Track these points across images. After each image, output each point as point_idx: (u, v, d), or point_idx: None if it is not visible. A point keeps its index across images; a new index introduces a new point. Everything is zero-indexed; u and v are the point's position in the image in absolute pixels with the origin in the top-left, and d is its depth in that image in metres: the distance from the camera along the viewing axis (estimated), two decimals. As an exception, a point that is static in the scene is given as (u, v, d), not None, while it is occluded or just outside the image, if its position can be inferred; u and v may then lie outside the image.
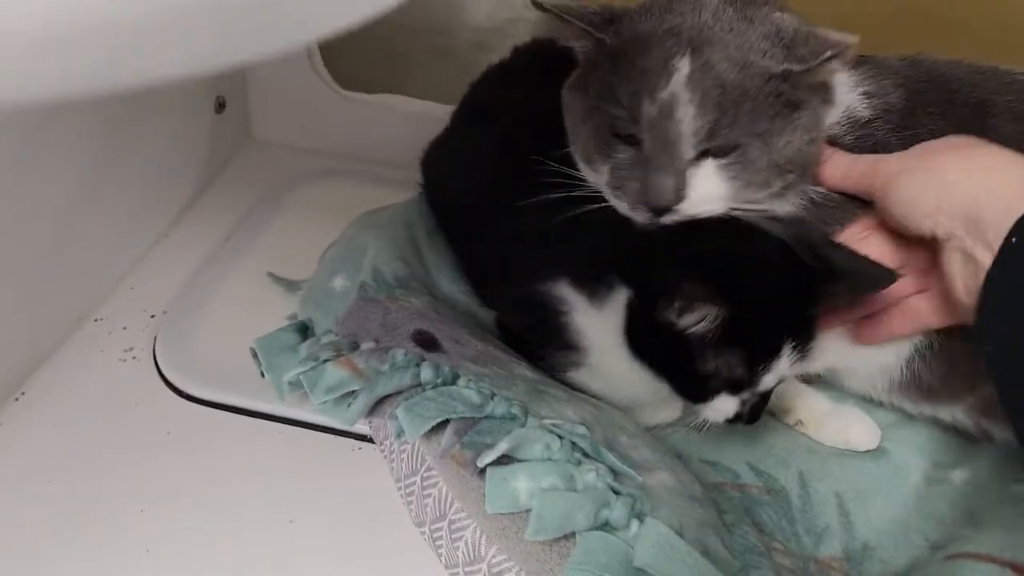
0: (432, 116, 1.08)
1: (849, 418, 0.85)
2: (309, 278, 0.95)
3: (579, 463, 0.69)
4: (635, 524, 0.65)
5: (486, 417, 0.72)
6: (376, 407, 0.77)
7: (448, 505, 0.71)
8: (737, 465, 0.82)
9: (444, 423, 0.72)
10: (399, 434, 0.73)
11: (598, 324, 0.78)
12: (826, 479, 0.81)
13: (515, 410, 0.72)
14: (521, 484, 0.67)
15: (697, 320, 0.69)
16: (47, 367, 0.94)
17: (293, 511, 0.80)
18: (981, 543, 0.69)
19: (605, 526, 0.65)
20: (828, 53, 0.66)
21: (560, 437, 0.70)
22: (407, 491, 0.76)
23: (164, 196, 1.17)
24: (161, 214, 1.16)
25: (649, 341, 0.75)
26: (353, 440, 0.86)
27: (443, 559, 0.72)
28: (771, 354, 0.71)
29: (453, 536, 0.71)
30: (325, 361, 0.79)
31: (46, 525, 0.78)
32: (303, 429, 0.87)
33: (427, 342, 0.79)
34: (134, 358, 0.97)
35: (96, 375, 0.94)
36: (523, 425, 0.71)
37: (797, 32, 0.69)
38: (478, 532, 0.69)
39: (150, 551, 0.76)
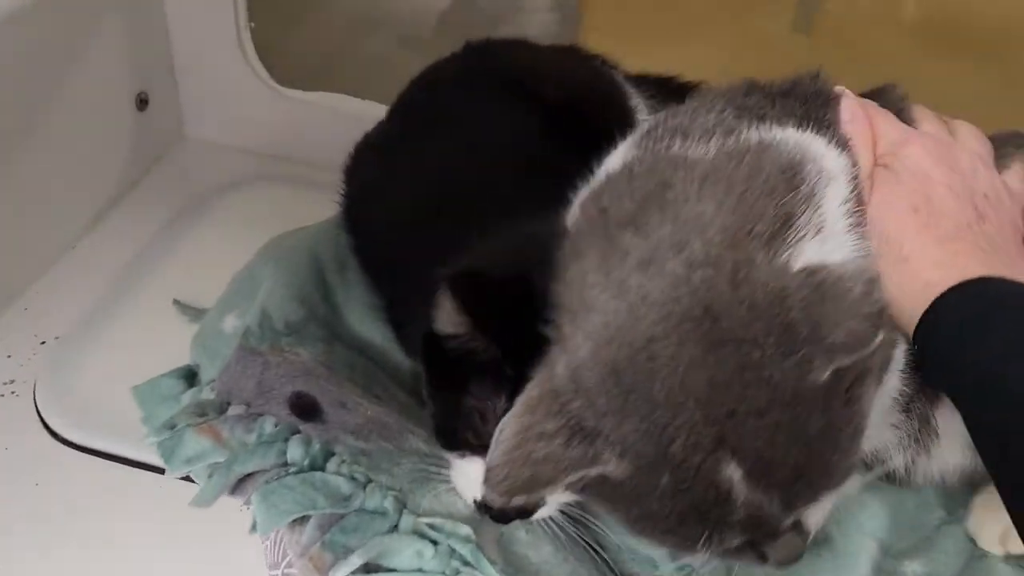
0: (373, 117, 0.97)
1: None
2: (206, 313, 0.86)
3: (456, 573, 0.59)
4: None
5: (355, 511, 0.62)
6: (238, 485, 0.67)
7: None
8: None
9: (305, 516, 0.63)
10: (253, 526, 0.63)
11: None
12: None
13: (388, 504, 0.63)
14: None
15: (461, 338, 0.60)
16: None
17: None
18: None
19: None
20: None
21: (434, 543, 0.60)
22: None
23: (75, 203, 1.08)
24: (70, 224, 1.07)
25: (434, 366, 0.65)
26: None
27: None
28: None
29: None
30: (186, 427, 0.69)
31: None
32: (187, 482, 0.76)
33: (305, 407, 0.69)
34: (13, 392, 0.88)
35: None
36: (395, 525, 0.62)
37: None
38: None
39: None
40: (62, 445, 0.84)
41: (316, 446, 0.66)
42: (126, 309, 0.96)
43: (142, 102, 1.15)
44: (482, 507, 0.61)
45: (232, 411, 0.70)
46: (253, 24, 1.19)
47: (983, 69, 1.21)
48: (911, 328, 0.57)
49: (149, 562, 0.76)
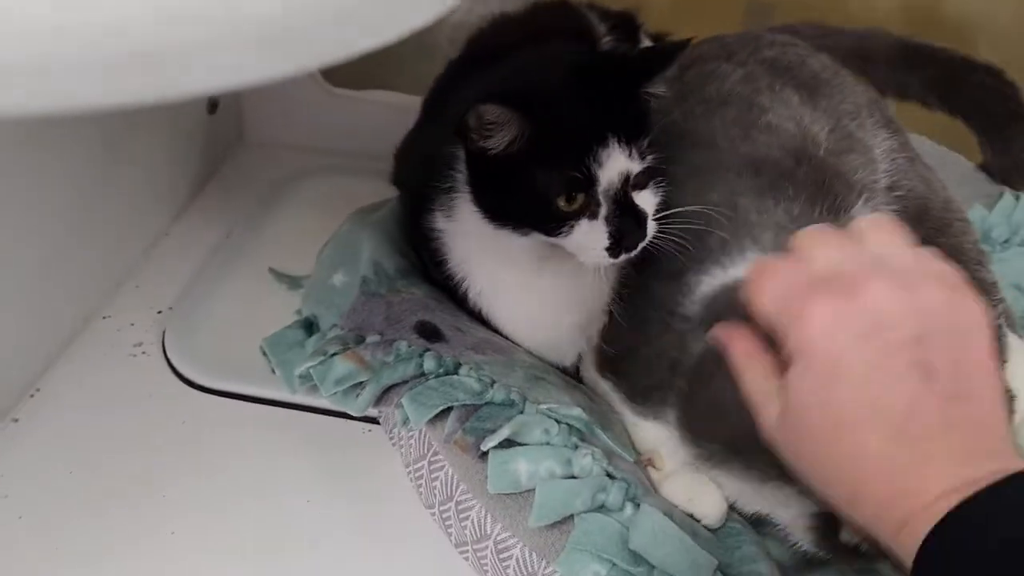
0: (418, 108, 1.08)
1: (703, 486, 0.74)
2: (309, 276, 0.97)
3: (576, 447, 0.71)
4: (629, 507, 0.67)
5: (486, 404, 0.74)
6: (383, 396, 0.79)
7: (454, 487, 0.73)
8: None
9: (447, 410, 0.75)
10: (405, 421, 0.75)
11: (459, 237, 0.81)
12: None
13: (514, 396, 0.74)
14: (521, 467, 0.69)
15: (507, 140, 0.69)
16: (59, 364, 0.95)
17: (308, 492, 0.82)
18: None
19: (601, 508, 0.68)
20: None
21: (557, 422, 0.72)
22: (416, 475, 0.78)
23: (163, 196, 1.17)
24: (161, 213, 1.17)
25: (483, 187, 0.74)
26: (362, 423, 0.87)
27: (452, 538, 0.74)
28: (594, 147, 0.69)
29: (460, 516, 0.73)
30: (334, 355, 0.80)
31: (70, 515, 0.80)
32: (314, 415, 0.89)
33: (430, 332, 0.80)
34: (144, 353, 0.98)
35: (108, 370, 0.95)
36: (522, 411, 0.73)
37: None
38: (483, 511, 0.71)
39: (175, 533, 0.78)
40: (195, 391, 0.93)
41: (447, 358, 0.77)
42: (225, 280, 1.06)
43: (213, 106, 1.25)
44: (616, 246, 0.71)
45: (370, 340, 0.81)
46: None
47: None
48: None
49: (286, 490, 0.83)
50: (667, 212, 0.73)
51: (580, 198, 0.70)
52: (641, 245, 0.72)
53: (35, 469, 0.84)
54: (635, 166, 0.71)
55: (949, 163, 1.05)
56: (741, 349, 0.55)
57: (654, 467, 0.76)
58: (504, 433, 0.70)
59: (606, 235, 0.71)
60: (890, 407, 0.45)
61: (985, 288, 0.86)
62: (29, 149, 0.88)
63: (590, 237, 0.71)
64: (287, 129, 1.32)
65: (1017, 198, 1.00)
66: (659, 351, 0.72)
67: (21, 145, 0.87)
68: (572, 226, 0.71)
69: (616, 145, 0.69)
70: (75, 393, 0.93)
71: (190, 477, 0.84)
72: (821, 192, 0.77)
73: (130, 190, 1.09)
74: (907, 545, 0.42)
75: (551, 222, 0.71)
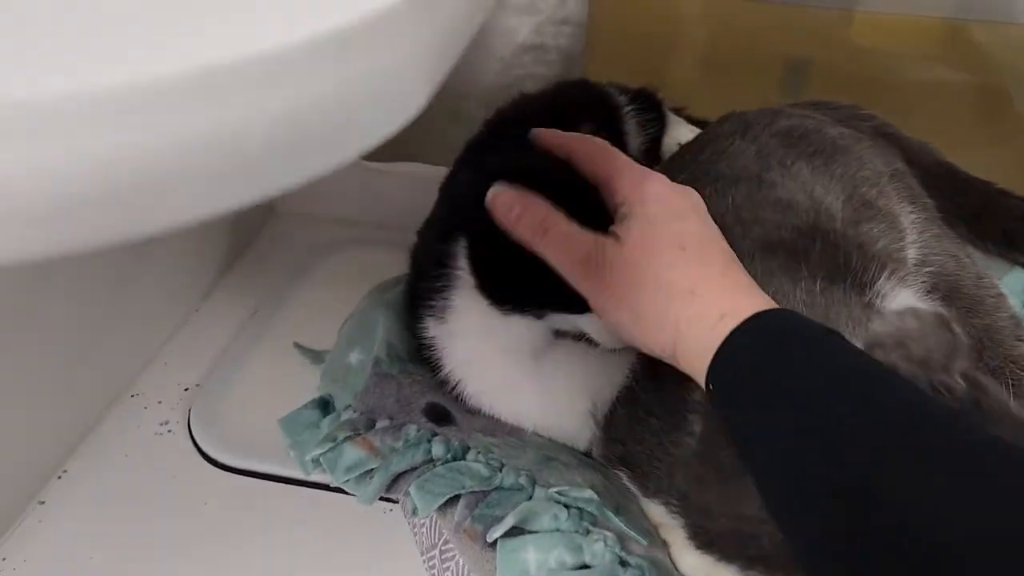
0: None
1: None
2: (329, 352, 0.95)
3: (587, 532, 0.67)
4: None
5: (495, 489, 0.71)
6: (393, 484, 0.76)
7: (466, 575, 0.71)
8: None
9: (456, 498, 0.72)
10: (414, 511, 0.72)
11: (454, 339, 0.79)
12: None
13: (523, 480, 0.71)
14: (530, 556, 0.66)
15: None
16: (87, 444, 0.94)
17: (332, 572, 0.80)
18: None
19: None
20: None
21: (567, 507, 0.69)
22: (429, 564, 0.74)
23: (194, 272, 1.17)
24: (192, 289, 1.16)
25: (495, 271, 0.72)
26: (384, 503, 0.84)
27: None
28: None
29: None
30: (344, 440, 0.78)
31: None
32: (337, 494, 0.85)
33: (439, 415, 0.78)
34: (169, 431, 0.96)
35: (134, 450, 0.94)
36: (530, 496, 0.70)
37: None
38: None
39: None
40: (220, 470, 0.91)
41: (455, 443, 0.75)
42: (251, 356, 1.05)
43: (242, 179, 1.25)
44: None
45: (380, 424, 0.79)
46: None
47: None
48: (703, 365, 0.56)
49: (309, 570, 0.81)
50: None
51: None
52: None
53: (61, 551, 0.83)
54: None
55: None
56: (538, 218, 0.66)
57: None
58: (510, 522, 0.66)
59: None
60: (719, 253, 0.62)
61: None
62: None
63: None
64: (318, 201, 1.31)
65: None
66: (666, 440, 0.69)
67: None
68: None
69: None
70: (101, 474, 0.91)
71: (214, 557, 0.82)
72: (840, 268, 0.73)
73: (161, 268, 1.08)
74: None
75: (576, 299, 0.68)
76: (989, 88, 1.28)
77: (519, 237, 0.67)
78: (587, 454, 0.82)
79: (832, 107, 0.99)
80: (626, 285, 0.60)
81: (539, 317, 0.71)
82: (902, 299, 0.75)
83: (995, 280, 0.88)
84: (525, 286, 0.71)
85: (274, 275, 1.20)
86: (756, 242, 0.75)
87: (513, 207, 0.67)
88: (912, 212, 0.87)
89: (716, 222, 0.75)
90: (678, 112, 1.07)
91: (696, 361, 0.56)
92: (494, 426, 0.78)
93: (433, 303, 0.78)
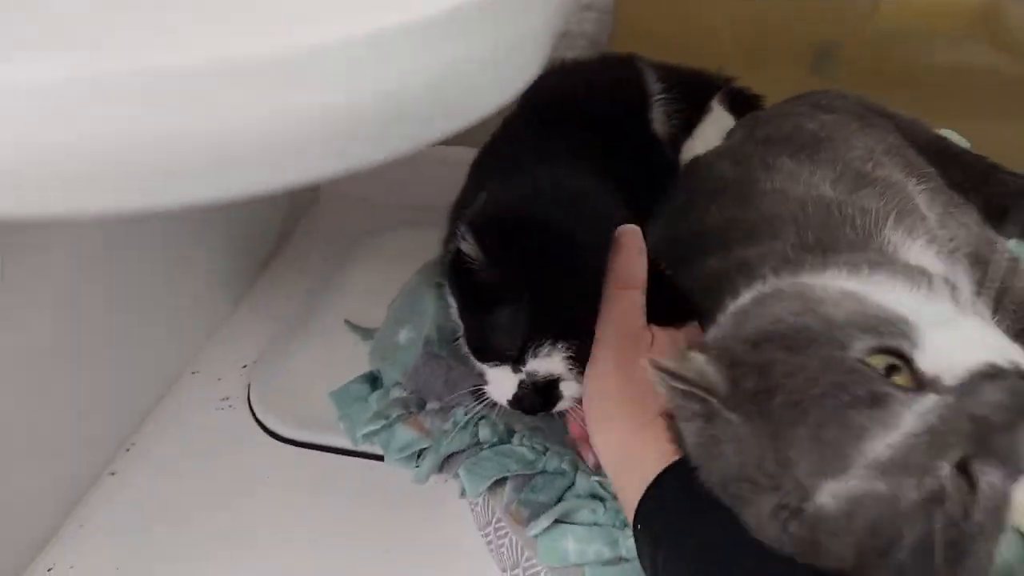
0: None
1: None
2: (378, 329, 0.98)
3: (625, 525, 0.69)
4: None
5: (539, 472, 0.74)
6: (444, 464, 0.79)
7: (520, 554, 0.73)
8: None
9: (504, 479, 0.75)
10: (463, 492, 0.76)
11: None
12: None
13: (565, 465, 0.74)
14: (570, 545, 0.69)
15: (483, 269, 0.69)
16: (152, 419, 0.99)
17: (387, 542, 0.84)
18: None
19: None
20: None
21: (603, 500, 0.71)
22: (486, 540, 0.78)
23: (248, 252, 1.21)
24: (246, 270, 1.20)
25: (464, 291, 0.75)
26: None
27: None
28: (542, 339, 0.70)
29: None
30: (396, 420, 0.82)
31: (164, 564, 0.83)
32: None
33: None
34: (230, 406, 1.01)
35: (197, 424, 0.99)
36: (572, 482, 0.73)
37: None
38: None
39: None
40: (279, 442, 0.95)
41: (500, 426, 0.77)
42: (306, 333, 1.09)
43: (290, 164, 1.28)
44: (515, 404, 0.73)
45: (429, 406, 0.82)
46: None
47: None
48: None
49: (365, 539, 0.85)
50: None
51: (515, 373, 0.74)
52: None
53: (132, 519, 0.88)
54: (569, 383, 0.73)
55: None
56: None
57: None
58: (547, 521, 0.69)
59: (512, 391, 0.74)
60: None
61: None
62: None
63: (500, 380, 0.76)
64: (363, 183, 1.32)
65: None
66: None
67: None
68: (492, 363, 0.76)
69: (557, 348, 0.72)
70: (167, 446, 0.96)
71: (274, 527, 0.86)
72: (835, 230, 0.73)
73: (217, 248, 1.12)
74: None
75: (480, 350, 0.76)
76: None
77: (615, 264, 0.70)
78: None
79: (818, 96, 1.00)
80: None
81: None
82: (916, 252, 0.74)
83: (1006, 244, 0.88)
84: None
85: (324, 256, 1.23)
86: (759, 222, 0.76)
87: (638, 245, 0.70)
88: (916, 182, 0.87)
89: (714, 241, 0.77)
90: (739, 94, 1.06)
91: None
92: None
93: None
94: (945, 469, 0.45)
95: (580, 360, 0.70)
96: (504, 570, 0.76)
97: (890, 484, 0.45)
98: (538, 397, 0.72)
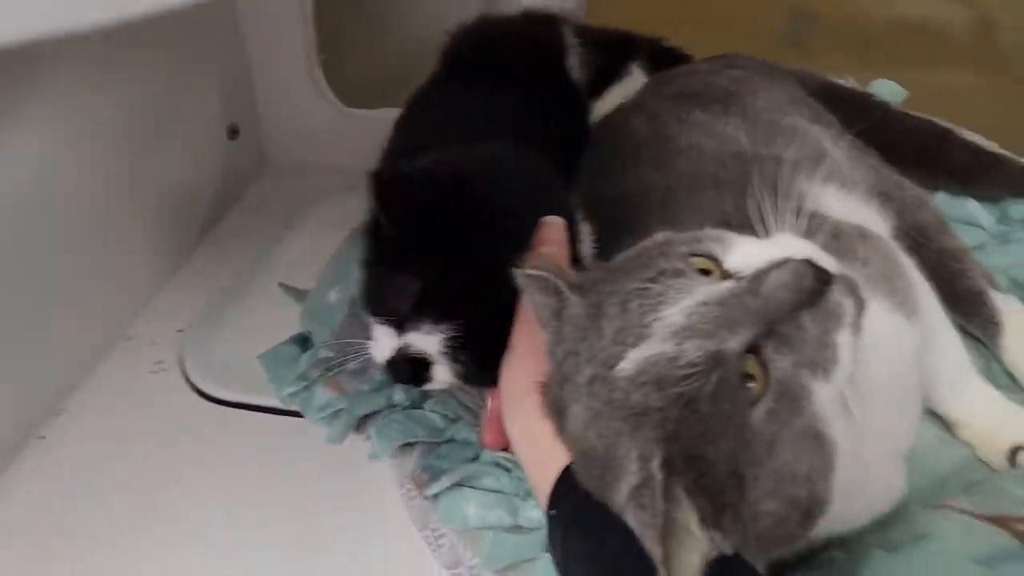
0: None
1: None
2: (308, 292, 0.97)
3: (527, 495, 0.69)
4: None
5: (447, 441, 0.74)
6: (361, 423, 0.79)
7: (428, 515, 0.73)
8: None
9: (412, 443, 0.75)
10: (372, 454, 0.76)
11: None
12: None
13: (473, 436, 0.74)
14: (471, 509, 0.69)
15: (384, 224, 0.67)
16: (84, 384, 0.98)
17: (319, 496, 0.84)
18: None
19: None
20: None
21: (508, 470, 0.71)
22: (402, 497, 0.77)
23: (186, 221, 1.20)
24: (184, 238, 1.19)
25: (372, 244, 0.71)
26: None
27: (441, 561, 0.73)
28: (426, 314, 0.65)
29: (438, 541, 0.72)
30: (315, 381, 0.82)
31: (94, 525, 0.83)
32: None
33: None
34: (164, 370, 1.00)
35: (129, 388, 0.98)
36: (477, 455, 0.73)
37: None
38: (454, 538, 0.71)
39: (181, 542, 0.81)
40: (212, 403, 0.95)
41: (414, 390, 0.77)
42: (242, 299, 1.08)
43: (233, 132, 1.27)
44: (386, 367, 0.68)
45: (350, 367, 0.78)
46: (323, 56, 1.28)
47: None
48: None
49: (297, 493, 0.85)
50: None
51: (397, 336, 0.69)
52: None
53: (61, 484, 0.87)
54: (444, 373, 0.68)
55: None
56: None
57: None
58: (446, 483, 0.69)
59: (388, 352, 0.69)
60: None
61: (956, 255, 0.83)
62: (54, 176, 0.91)
63: (381, 338, 0.70)
64: (307, 152, 1.33)
65: None
66: None
67: (46, 172, 0.89)
68: (379, 320, 0.70)
69: (437, 332, 0.67)
70: (98, 410, 0.95)
71: (207, 483, 0.86)
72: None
73: (154, 216, 1.11)
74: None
75: (371, 304, 0.71)
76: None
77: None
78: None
79: (724, 57, 1.01)
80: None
81: None
82: (832, 198, 0.75)
83: (910, 182, 0.90)
84: None
85: (265, 223, 1.23)
86: (677, 187, 0.76)
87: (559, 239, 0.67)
88: (822, 128, 0.88)
89: (629, 193, 0.76)
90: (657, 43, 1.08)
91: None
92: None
93: None
94: (730, 341, 0.46)
95: (461, 348, 0.65)
96: (418, 528, 0.76)
97: (677, 346, 0.47)
98: (410, 370, 0.67)
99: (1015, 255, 0.89)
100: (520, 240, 0.65)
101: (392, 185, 0.67)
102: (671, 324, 0.47)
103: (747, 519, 0.47)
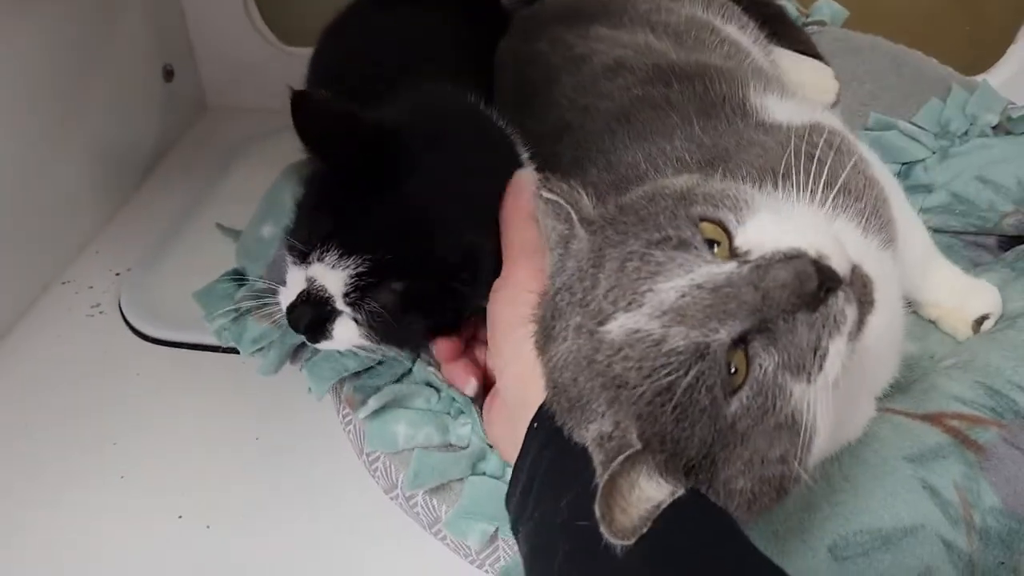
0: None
1: None
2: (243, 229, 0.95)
3: (459, 413, 0.68)
4: (508, 472, 0.64)
5: (378, 363, 0.72)
6: (295, 353, 0.77)
7: (363, 438, 0.71)
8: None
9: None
10: (309, 389, 0.73)
11: None
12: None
13: (404, 354, 0.71)
14: (400, 429, 0.67)
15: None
16: (19, 328, 0.96)
17: (258, 430, 0.83)
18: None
19: (483, 475, 0.65)
20: None
21: (439, 390, 0.69)
22: (342, 427, 0.76)
23: (123, 164, 1.16)
24: (121, 181, 1.16)
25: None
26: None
27: (379, 484, 0.73)
28: (333, 242, 0.60)
29: (372, 467, 0.71)
30: (247, 313, 0.79)
31: (32, 464, 0.81)
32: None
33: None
34: (101, 312, 0.98)
35: (66, 331, 0.96)
36: (409, 369, 0.71)
37: None
38: (387, 462, 0.70)
39: (124, 478, 0.80)
40: (150, 344, 0.94)
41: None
42: (180, 241, 1.06)
43: (168, 73, 1.23)
44: (288, 313, 0.63)
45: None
46: None
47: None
48: None
49: (236, 429, 0.84)
50: None
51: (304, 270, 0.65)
52: None
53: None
54: (352, 334, 0.64)
55: (906, 60, 0.98)
56: None
57: None
58: (374, 405, 0.67)
59: (297, 289, 0.64)
60: None
61: None
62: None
63: (293, 274, 0.65)
64: (246, 92, 1.29)
65: (970, 90, 0.93)
66: None
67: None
68: (302, 246, 0.65)
69: (343, 280, 0.61)
70: (35, 354, 0.93)
71: (144, 424, 0.85)
72: (708, 99, 0.72)
73: (90, 159, 1.08)
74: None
75: (295, 228, 0.66)
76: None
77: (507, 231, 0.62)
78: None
79: None
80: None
81: None
82: (776, 106, 0.73)
83: None
84: None
85: (204, 166, 1.20)
86: (610, 117, 0.73)
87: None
88: (737, 27, 0.88)
89: (561, 128, 0.75)
90: None
91: None
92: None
93: None
94: (719, 332, 0.44)
95: (370, 289, 0.60)
96: (357, 455, 0.75)
97: (663, 328, 0.45)
98: (310, 316, 0.62)
99: (954, 169, 0.88)
100: (460, 196, 0.62)
101: (306, 106, 0.62)
102: (663, 301, 0.45)
103: (721, 496, 0.46)
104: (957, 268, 0.79)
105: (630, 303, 0.46)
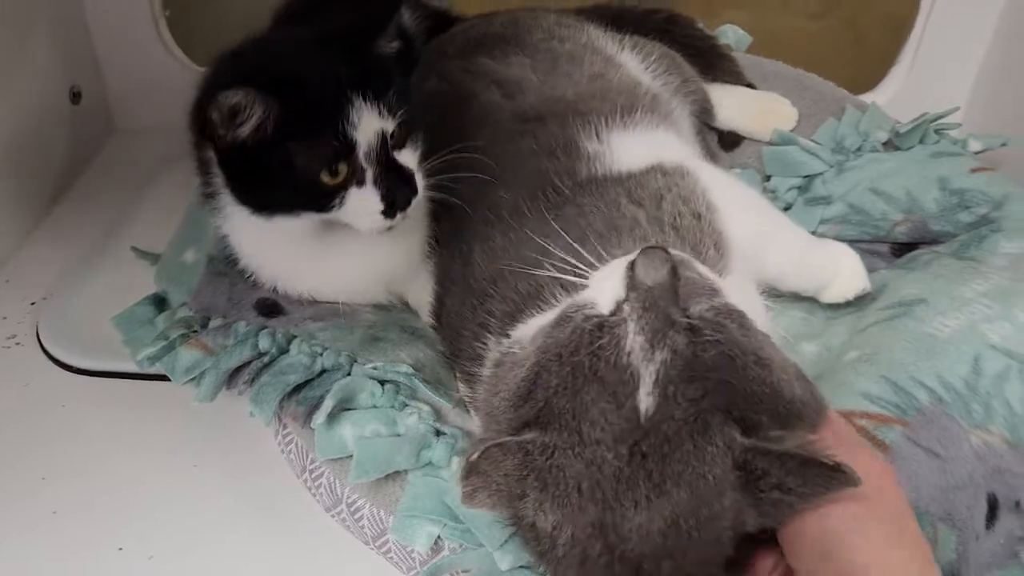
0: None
1: None
2: (162, 253, 0.94)
3: (403, 406, 0.70)
4: (456, 462, 0.66)
5: (318, 375, 0.73)
6: (231, 379, 0.77)
7: (305, 457, 0.72)
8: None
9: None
10: (252, 414, 0.73)
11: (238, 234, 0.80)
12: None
13: (343, 360, 0.73)
14: (347, 431, 0.68)
15: (255, 123, 0.66)
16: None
17: (195, 457, 0.81)
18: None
19: (428, 466, 0.66)
20: None
21: (382, 382, 0.71)
22: (280, 448, 0.76)
23: (30, 190, 1.13)
24: (29, 208, 1.12)
25: (242, 182, 0.71)
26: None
27: (322, 503, 0.73)
28: (345, 109, 0.66)
29: (315, 483, 0.72)
30: (177, 341, 0.79)
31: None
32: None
33: (269, 308, 0.79)
34: (18, 344, 0.95)
35: (-21, 365, 0.92)
36: (348, 374, 0.72)
37: None
38: (332, 477, 0.70)
39: (56, 513, 0.77)
40: (72, 374, 0.91)
41: (279, 335, 0.76)
42: (96, 267, 1.03)
43: (75, 95, 1.20)
44: (388, 208, 0.70)
45: (212, 324, 0.79)
46: (168, 12, 1.23)
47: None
48: None
49: (170, 457, 0.82)
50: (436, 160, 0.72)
51: (344, 168, 0.68)
52: (415, 202, 0.71)
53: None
54: (389, 124, 0.68)
55: (807, 84, 1.06)
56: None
57: None
58: (328, 406, 0.68)
59: (378, 199, 0.69)
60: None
61: None
62: None
63: (363, 204, 0.70)
64: (156, 113, 1.25)
65: (863, 110, 1.00)
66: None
67: None
68: (342, 197, 0.69)
69: (364, 104, 0.66)
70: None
71: (71, 456, 0.82)
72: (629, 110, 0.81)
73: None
74: None
75: (320, 198, 0.69)
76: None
77: None
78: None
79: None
80: None
81: (297, 216, 0.71)
82: (621, 146, 0.79)
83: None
84: (273, 193, 0.70)
85: (117, 188, 1.17)
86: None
87: None
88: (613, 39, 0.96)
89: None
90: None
91: None
92: (325, 312, 0.80)
93: (213, 204, 0.77)
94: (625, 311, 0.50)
95: (389, 106, 0.69)
96: (298, 475, 0.75)
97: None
98: (398, 179, 0.70)
99: (850, 182, 0.94)
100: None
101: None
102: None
103: None
104: (842, 245, 0.82)
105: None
